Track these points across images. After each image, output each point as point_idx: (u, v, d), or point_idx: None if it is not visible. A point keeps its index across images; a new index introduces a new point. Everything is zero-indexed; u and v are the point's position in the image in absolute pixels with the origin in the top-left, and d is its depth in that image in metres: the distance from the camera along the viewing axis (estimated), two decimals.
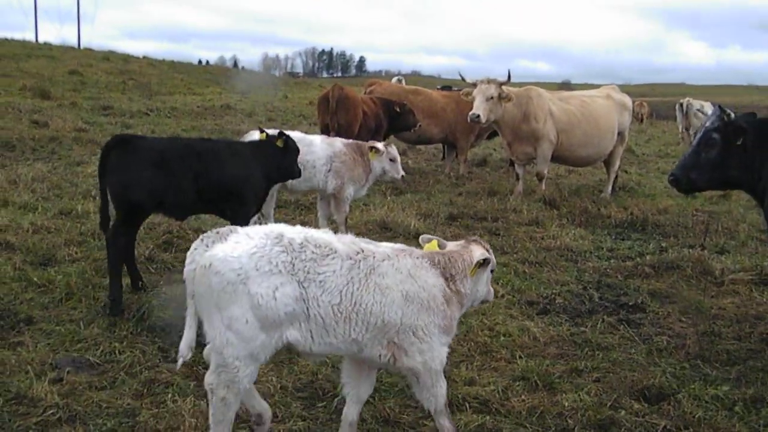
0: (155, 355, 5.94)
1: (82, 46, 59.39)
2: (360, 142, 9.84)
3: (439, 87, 21.27)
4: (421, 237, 4.92)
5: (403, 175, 9.33)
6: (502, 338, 6.45)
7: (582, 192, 14.13)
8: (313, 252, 4.15)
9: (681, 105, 25.79)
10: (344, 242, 4.35)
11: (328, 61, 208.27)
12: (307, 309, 4.09)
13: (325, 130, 14.14)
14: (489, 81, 12.74)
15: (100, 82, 33.45)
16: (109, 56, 47.00)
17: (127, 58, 48.28)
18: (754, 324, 7.06)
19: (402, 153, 20.09)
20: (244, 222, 7.88)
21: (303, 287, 4.07)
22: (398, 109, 15.07)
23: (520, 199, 12.78)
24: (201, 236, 4.21)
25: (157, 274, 7.98)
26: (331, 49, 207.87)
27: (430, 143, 17.99)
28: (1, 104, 21.36)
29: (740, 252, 9.73)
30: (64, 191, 11.53)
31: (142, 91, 31.50)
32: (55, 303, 6.90)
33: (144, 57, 52.29)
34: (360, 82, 20.83)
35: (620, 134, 13.90)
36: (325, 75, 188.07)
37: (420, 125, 15.53)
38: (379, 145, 9.32)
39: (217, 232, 4.17)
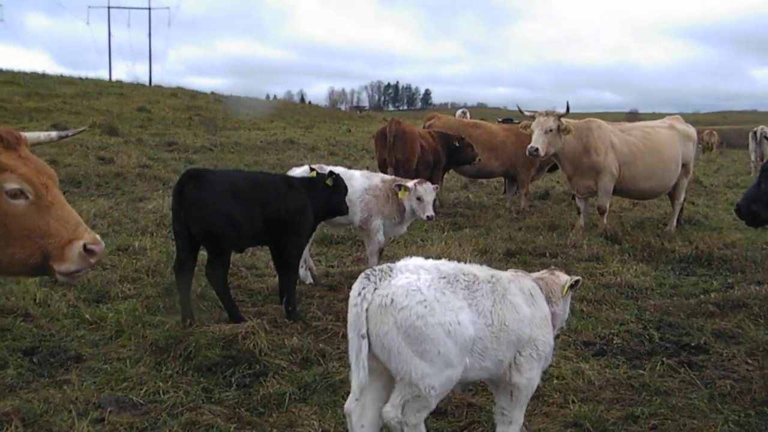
0: (199, 396, 5.88)
1: (153, 83, 61.11)
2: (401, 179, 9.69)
3: (500, 120, 21.09)
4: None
5: (429, 216, 8.96)
6: (555, 381, 6.21)
7: (646, 226, 13.77)
8: (465, 279, 4.41)
9: (755, 133, 25.16)
10: (477, 268, 4.64)
11: (393, 94, 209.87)
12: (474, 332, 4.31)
13: (383, 165, 14.12)
14: (548, 113, 12.55)
15: (167, 118, 34.33)
16: (176, 92, 48.31)
17: (194, 94, 49.57)
18: None
19: (464, 187, 20.16)
20: (296, 255, 7.94)
21: (472, 311, 4.32)
22: (457, 143, 14.97)
23: (580, 234, 12.49)
24: (363, 275, 4.29)
25: (207, 312, 7.96)
26: (397, 82, 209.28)
27: (490, 177, 17.81)
28: (69, 142, 21.91)
29: None
30: (124, 227, 11.75)
31: (207, 127, 32.13)
32: (105, 341, 6.97)
33: (212, 93, 53.50)
34: (424, 115, 20.77)
35: (684, 166, 13.51)
36: (390, 108, 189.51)
37: (479, 159, 15.40)
38: (410, 183, 9.10)
39: (380, 270, 4.28)
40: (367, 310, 4.16)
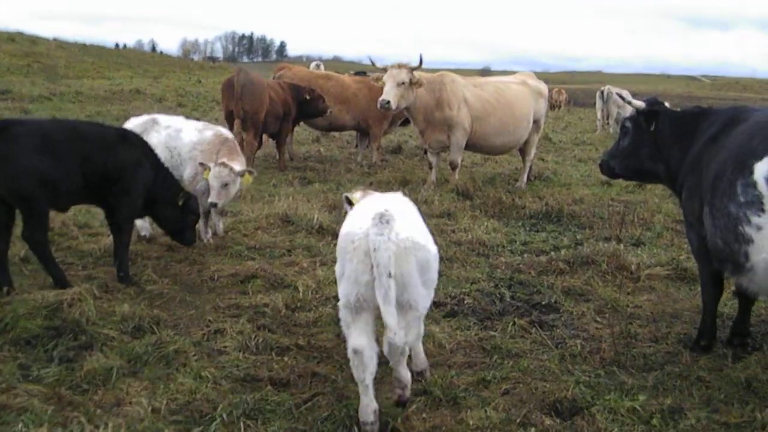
0: (13, 375, 5.18)
1: None
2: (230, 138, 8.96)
3: (352, 72, 20.57)
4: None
5: (210, 203, 8.20)
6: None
7: (497, 181, 13.73)
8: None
9: (602, 92, 25.89)
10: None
11: (248, 45, 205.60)
12: None
13: (230, 117, 13.42)
14: (400, 66, 12.17)
15: (2, 65, 31.89)
16: (15, 37, 45.01)
17: (35, 40, 46.37)
18: (671, 323, 6.66)
19: (315, 140, 19.63)
20: (128, 215, 7.33)
21: None
22: (308, 96, 14.46)
23: (432, 190, 12.31)
24: (374, 221, 4.43)
25: (31, 278, 7.18)
26: (251, 33, 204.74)
27: (342, 130, 17.36)
28: None
29: (656, 245, 9.39)
30: None
31: (48, 75, 30.09)
32: None
33: (54, 39, 50.37)
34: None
35: (536, 122, 13.49)
36: (245, 60, 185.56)
37: (331, 111, 14.96)
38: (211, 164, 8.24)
39: (383, 215, 4.47)
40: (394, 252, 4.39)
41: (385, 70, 12.35)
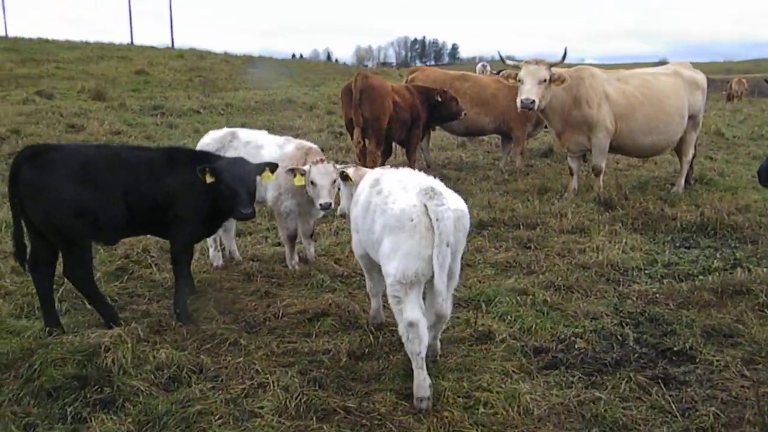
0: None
1: (176, 46, 59.07)
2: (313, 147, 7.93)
3: (496, 72, 19.21)
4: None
5: (323, 204, 7.12)
6: (481, 411, 4.71)
7: (649, 187, 12.00)
8: None
9: None
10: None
11: (420, 50, 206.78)
12: None
13: (350, 125, 12.55)
14: (537, 62, 10.82)
15: (165, 80, 32.85)
16: (184, 54, 46.66)
17: (203, 55, 47.87)
18: None
19: (460, 146, 18.44)
20: (185, 246, 6.55)
21: None
22: (438, 98, 13.32)
23: (572, 199, 10.90)
24: (424, 193, 4.72)
25: (92, 313, 6.51)
26: (423, 37, 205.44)
27: (482, 134, 16.08)
28: (44, 109, 20.57)
29: None
30: None
31: (204, 88, 30.63)
32: None
33: (224, 53, 51.88)
34: (453, 69, 19.04)
35: (692, 118, 11.67)
36: (417, 64, 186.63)
37: (465, 114, 13.74)
38: (306, 166, 7.25)
39: (432, 189, 4.76)
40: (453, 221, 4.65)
41: (518, 67, 11.05)
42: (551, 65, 10.77)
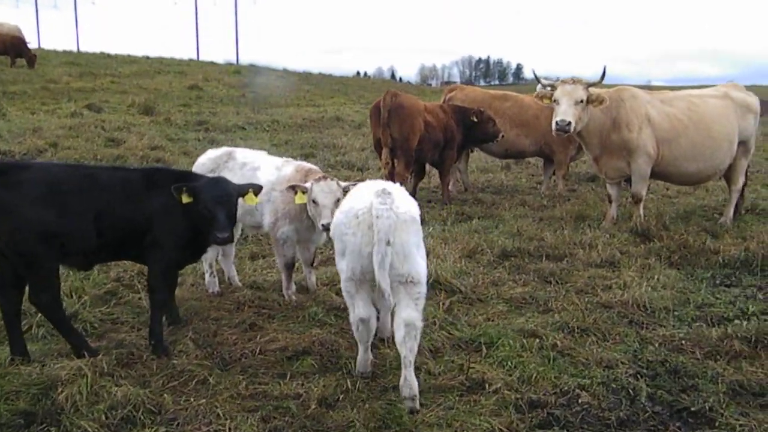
0: None
1: (239, 62, 59.51)
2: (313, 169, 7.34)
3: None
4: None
5: (324, 224, 6.51)
6: None
7: (694, 217, 11.19)
8: None
9: None
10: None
11: (485, 69, 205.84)
12: None
13: (378, 145, 12.04)
14: (574, 81, 10.17)
15: (217, 96, 32.81)
16: (240, 69, 46.88)
17: (259, 71, 47.97)
18: None
19: (505, 168, 17.75)
20: (162, 274, 6.10)
21: None
22: (474, 118, 12.74)
23: (608, 228, 10.19)
24: (377, 194, 4.87)
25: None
26: (488, 57, 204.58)
27: (522, 157, 15.45)
28: (88, 122, 20.52)
29: None
30: None
31: (253, 104, 30.49)
32: None
33: (284, 69, 52.02)
34: (517, 90, 18.48)
35: (743, 143, 10.81)
36: (482, 83, 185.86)
37: (504, 135, 13.11)
38: (307, 183, 6.75)
39: (385, 190, 4.94)
40: (395, 223, 4.77)
41: (554, 87, 10.40)
42: (589, 85, 10.11)
